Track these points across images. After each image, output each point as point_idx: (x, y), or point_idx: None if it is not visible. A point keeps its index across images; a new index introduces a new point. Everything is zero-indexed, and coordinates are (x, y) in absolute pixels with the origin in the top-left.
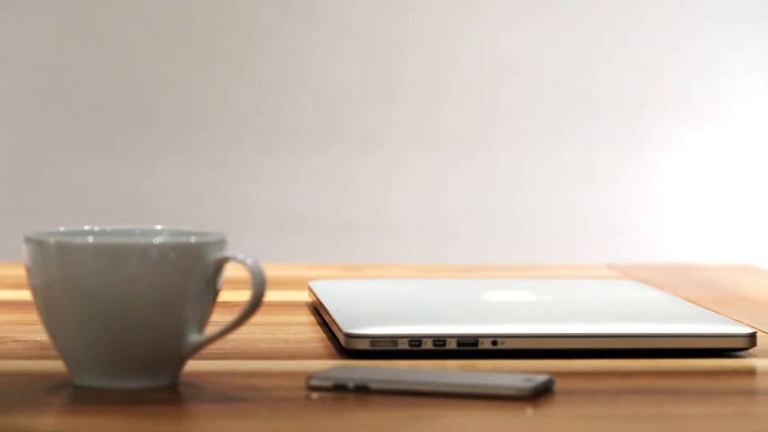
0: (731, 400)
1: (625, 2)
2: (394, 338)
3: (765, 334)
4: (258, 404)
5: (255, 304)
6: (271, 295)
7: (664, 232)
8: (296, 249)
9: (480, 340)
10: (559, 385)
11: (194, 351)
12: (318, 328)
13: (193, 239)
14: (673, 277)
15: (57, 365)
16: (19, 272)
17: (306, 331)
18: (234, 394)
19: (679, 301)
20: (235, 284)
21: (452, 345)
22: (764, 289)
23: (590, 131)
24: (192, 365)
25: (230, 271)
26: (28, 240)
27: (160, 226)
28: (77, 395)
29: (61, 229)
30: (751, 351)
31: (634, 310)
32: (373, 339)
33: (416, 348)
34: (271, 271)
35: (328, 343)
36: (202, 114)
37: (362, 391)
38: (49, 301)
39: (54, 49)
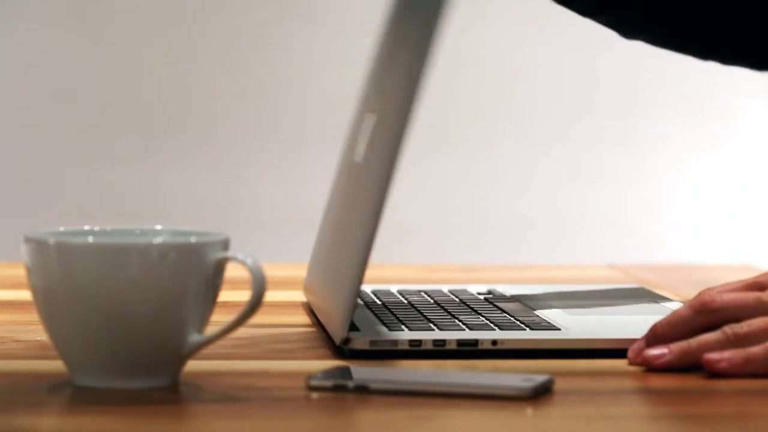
0: (730, 400)
1: None
2: (394, 338)
3: None
4: (258, 404)
5: (255, 304)
6: (271, 295)
7: (664, 232)
8: (296, 249)
9: (480, 340)
10: (559, 385)
11: (194, 351)
12: (318, 328)
13: (193, 239)
14: (673, 277)
15: (57, 365)
16: (19, 272)
17: (306, 331)
18: (234, 394)
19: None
20: (235, 284)
21: (452, 345)
22: None
23: (591, 132)
24: (192, 365)
25: (230, 271)
26: (28, 240)
27: (160, 226)
28: (77, 395)
29: (61, 229)
30: None
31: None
32: (373, 339)
33: (416, 348)
34: (271, 271)
35: (328, 343)
36: (202, 114)
37: (362, 391)
38: (49, 301)
39: (55, 50)
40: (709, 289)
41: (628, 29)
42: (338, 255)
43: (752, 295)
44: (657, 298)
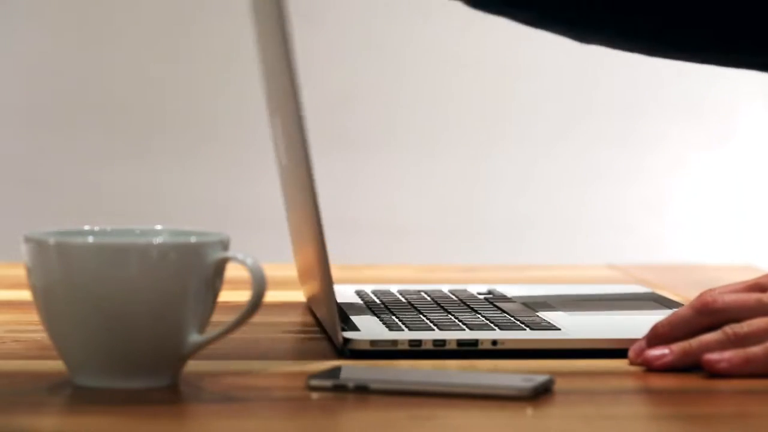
0: (730, 400)
1: None
2: (394, 338)
3: None
4: (258, 404)
5: (255, 304)
6: (271, 295)
7: (664, 232)
8: None
9: (480, 340)
10: (559, 385)
11: (194, 351)
12: (318, 327)
13: (193, 239)
14: (673, 277)
15: (57, 365)
16: (19, 272)
17: (306, 331)
18: (234, 394)
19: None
20: (235, 284)
21: (452, 345)
22: None
23: (590, 132)
24: (192, 365)
25: (230, 271)
26: (28, 240)
27: (160, 226)
28: (77, 395)
29: (61, 229)
30: None
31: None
32: (373, 339)
33: (416, 348)
34: (271, 271)
35: (328, 343)
36: (203, 114)
37: (362, 391)
38: (49, 301)
39: (56, 50)
40: (710, 289)
41: (580, 31)
42: (306, 257)
43: (754, 296)
44: (668, 303)
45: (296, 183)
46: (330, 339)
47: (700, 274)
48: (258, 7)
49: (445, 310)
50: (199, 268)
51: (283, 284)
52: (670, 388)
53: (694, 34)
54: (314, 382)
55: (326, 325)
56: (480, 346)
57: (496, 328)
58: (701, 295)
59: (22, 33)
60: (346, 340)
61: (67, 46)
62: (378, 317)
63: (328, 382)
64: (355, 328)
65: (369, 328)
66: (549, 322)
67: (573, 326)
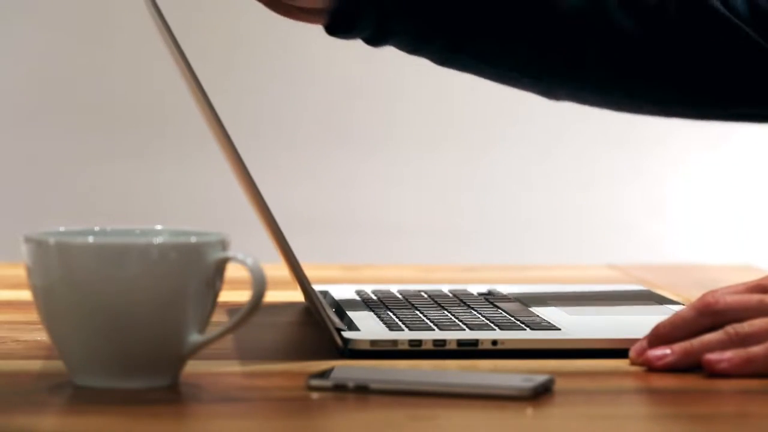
0: (730, 400)
1: None
2: (394, 338)
3: None
4: (258, 404)
5: (255, 304)
6: (271, 295)
7: (664, 232)
8: (297, 249)
9: (480, 340)
10: (559, 385)
11: (194, 351)
12: (318, 328)
13: (193, 239)
14: (673, 277)
15: (57, 365)
16: (19, 272)
17: (306, 331)
18: (234, 394)
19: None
20: (235, 284)
21: (452, 345)
22: None
23: (591, 132)
24: (192, 365)
25: (230, 271)
26: (28, 240)
27: (160, 226)
28: (77, 395)
29: (61, 229)
30: None
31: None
32: (373, 339)
33: (416, 348)
34: (271, 271)
35: (328, 343)
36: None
37: (362, 391)
38: (49, 301)
39: (55, 49)
40: (712, 290)
41: (544, 88)
42: (282, 257)
43: (756, 297)
44: (662, 301)
45: (244, 186)
46: (330, 339)
47: (700, 274)
48: (153, 18)
49: (445, 310)
50: (199, 268)
51: (283, 284)
52: (671, 388)
53: (658, 86)
54: (314, 382)
55: (321, 323)
56: (480, 346)
57: (496, 328)
58: (703, 296)
59: (21, 33)
60: (346, 340)
61: (66, 45)
62: (378, 317)
63: (328, 382)
64: (355, 328)
65: (369, 328)
66: (549, 322)
67: (573, 326)
